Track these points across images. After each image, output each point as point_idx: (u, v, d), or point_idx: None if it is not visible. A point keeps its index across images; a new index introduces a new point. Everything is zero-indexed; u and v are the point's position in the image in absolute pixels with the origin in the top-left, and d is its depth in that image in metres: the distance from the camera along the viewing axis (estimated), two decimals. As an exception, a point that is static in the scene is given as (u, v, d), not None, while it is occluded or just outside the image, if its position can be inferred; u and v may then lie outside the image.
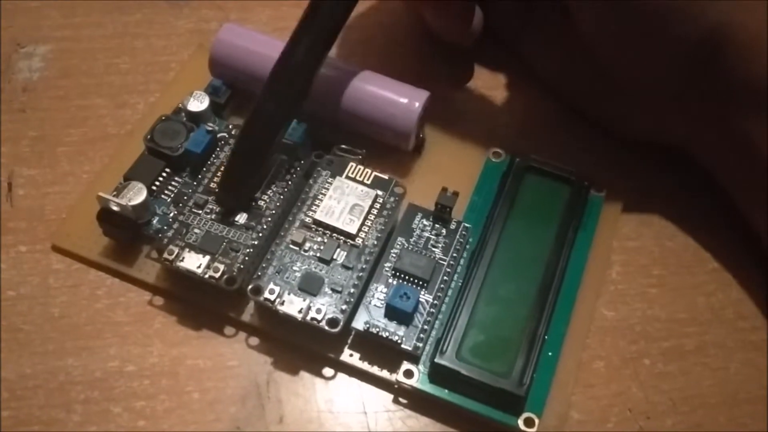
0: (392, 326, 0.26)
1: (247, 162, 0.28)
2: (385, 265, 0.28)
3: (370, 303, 0.27)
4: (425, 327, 0.27)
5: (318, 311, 0.26)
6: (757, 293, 0.30)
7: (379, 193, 0.29)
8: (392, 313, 0.26)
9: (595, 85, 0.31)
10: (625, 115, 0.31)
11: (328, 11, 0.27)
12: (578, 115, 0.33)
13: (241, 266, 0.27)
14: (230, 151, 0.29)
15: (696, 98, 0.28)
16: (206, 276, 0.27)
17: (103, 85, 0.34)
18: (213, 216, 0.28)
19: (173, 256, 0.27)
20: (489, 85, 0.35)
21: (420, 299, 0.27)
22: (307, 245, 0.28)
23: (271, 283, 0.26)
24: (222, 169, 0.29)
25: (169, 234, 0.27)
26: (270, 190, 0.29)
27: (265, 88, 0.28)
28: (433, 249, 0.28)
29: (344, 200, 0.28)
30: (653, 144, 0.32)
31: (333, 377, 0.27)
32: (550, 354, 0.27)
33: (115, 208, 0.27)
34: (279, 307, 0.26)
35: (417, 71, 0.34)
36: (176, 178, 0.30)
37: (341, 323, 0.26)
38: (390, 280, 0.27)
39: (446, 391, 0.26)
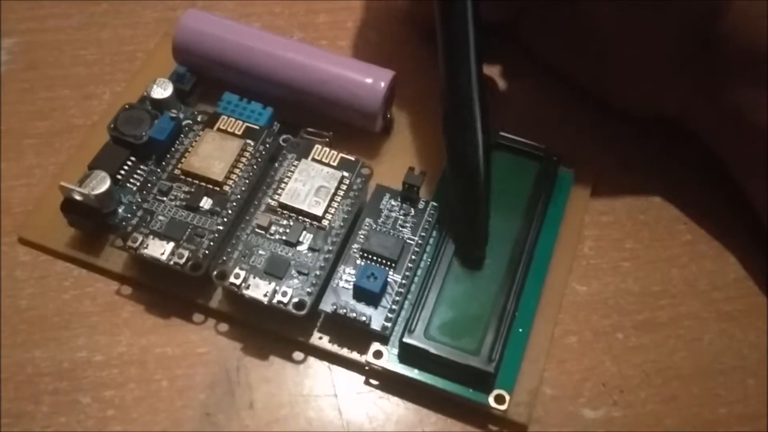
0: (360, 307, 0.26)
1: (477, 206, 0.27)
2: (353, 246, 0.27)
3: (338, 285, 0.27)
4: (394, 307, 0.26)
5: (284, 294, 0.26)
6: (730, 264, 0.29)
7: (345, 174, 0.28)
8: (360, 294, 0.26)
9: (594, 58, 0.30)
10: (624, 89, 0.31)
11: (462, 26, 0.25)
12: (566, 85, 0.32)
13: (207, 252, 0.27)
14: (456, 209, 0.27)
15: (695, 70, 0.28)
16: (171, 263, 0.26)
17: (70, 77, 0.33)
18: (177, 202, 0.28)
19: (137, 244, 0.27)
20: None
21: (388, 279, 0.27)
22: (273, 228, 0.27)
23: (237, 267, 0.26)
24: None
25: (134, 222, 0.27)
26: (235, 175, 0.28)
27: (448, 124, 0.26)
28: (402, 229, 0.28)
29: (310, 182, 0.28)
30: (650, 118, 0.31)
31: (303, 361, 0.27)
32: (520, 330, 0.27)
33: (78, 198, 0.27)
34: (245, 291, 0.26)
35: (387, 53, 0.34)
36: (142, 167, 0.29)
37: (308, 306, 0.26)
38: (358, 262, 0.27)
39: (416, 370, 0.26)
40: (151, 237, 0.27)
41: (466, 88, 0.26)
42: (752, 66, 0.27)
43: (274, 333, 0.27)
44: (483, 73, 0.26)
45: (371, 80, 0.29)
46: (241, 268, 0.26)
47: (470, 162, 0.26)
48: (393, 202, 0.28)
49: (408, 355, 0.26)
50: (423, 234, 0.28)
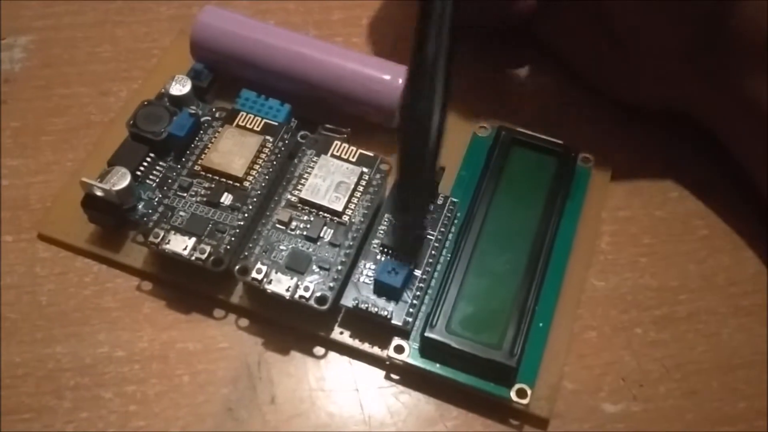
0: (381, 302, 0.26)
1: (419, 177, 0.26)
2: (373, 241, 0.27)
3: (358, 280, 0.27)
4: (415, 302, 0.26)
5: (306, 289, 0.26)
6: (748, 258, 0.29)
7: (365, 170, 0.28)
8: (381, 288, 0.26)
9: (602, 50, 0.31)
10: (632, 81, 0.31)
11: None
12: (582, 82, 0.33)
13: (228, 247, 0.27)
14: (398, 177, 0.26)
15: (704, 59, 0.28)
16: (193, 258, 0.26)
17: (86, 74, 0.33)
18: (198, 198, 0.28)
19: (159, 239, 0.27)
20: (475, 59, 0.34)
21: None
22: (294, 224, 0.27)
23: (258, 262, 0.26)
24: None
25: (155, 217, 0.27)
26: (255, 171, 0.28)
27: (408, 87, 0.24)
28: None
29: (330, 178, 0.28)
30: (658, 110, 0.31)
31: (324, 356, 0.27)
32: (540, 325, 0.27)
33: (99, 194, 0.27)
34: (267, 286, 0.26)
35: (402, 50, 0.34)
36: (161, 163, 0.29)
37: (329, 300, 0.26)
38: (378, 257, 0.27)
39: (437, 365, 0.26)
40: (173, 232, 0.27)
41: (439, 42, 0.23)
42: (760, 53, 0.27)
43: (295, 328, 0.27)
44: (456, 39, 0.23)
45: (389, 76, 0.30)
46: (262, 263, 0.26)
47: (422, 123, 0.24)
48: (412, 198, 0.28)
49: (429, 349, 0.26)
50: (442, 229, 0.28)
